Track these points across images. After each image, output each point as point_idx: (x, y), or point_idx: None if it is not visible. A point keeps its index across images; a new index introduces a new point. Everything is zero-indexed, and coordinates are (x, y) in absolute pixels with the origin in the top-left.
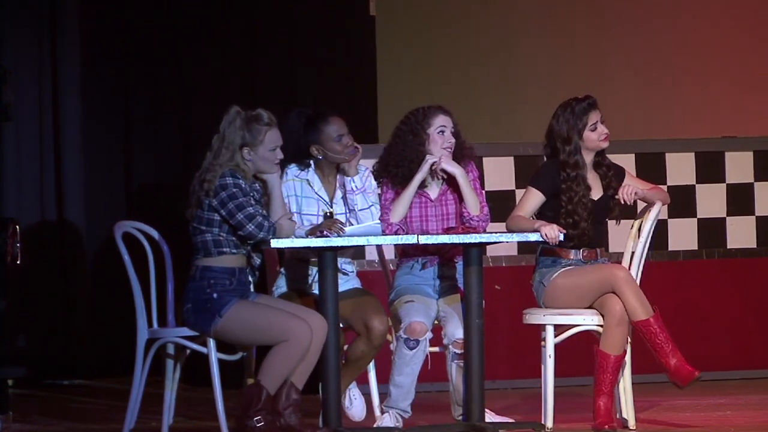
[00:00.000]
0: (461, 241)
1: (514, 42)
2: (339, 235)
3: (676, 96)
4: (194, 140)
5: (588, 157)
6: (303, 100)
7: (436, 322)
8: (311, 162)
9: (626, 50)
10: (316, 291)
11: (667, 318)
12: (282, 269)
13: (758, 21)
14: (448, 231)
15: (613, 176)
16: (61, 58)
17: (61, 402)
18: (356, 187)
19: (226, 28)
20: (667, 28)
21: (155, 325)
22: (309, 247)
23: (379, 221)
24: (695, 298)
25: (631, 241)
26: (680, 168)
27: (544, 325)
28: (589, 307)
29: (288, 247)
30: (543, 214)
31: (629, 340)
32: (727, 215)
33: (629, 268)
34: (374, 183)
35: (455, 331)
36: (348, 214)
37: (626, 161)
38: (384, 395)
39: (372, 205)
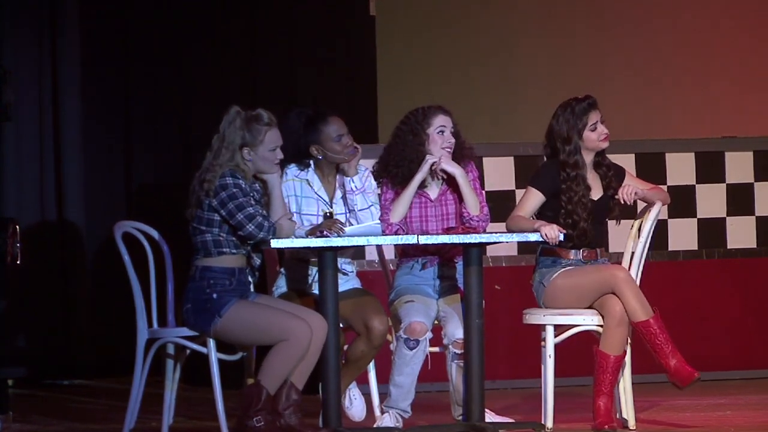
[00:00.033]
0: (461, 241)
1: (514, 42)
2: (339, 235)
3: (676, 96)
4: (194, 140)
5: (588, 157)
6: (303, 100)
7: (436, 322)
8: (311, 162)
9: (626, 50)
10: (316, 291)
11: (667, 318)
12: (282, 269)
13: (758, 21)
14: (448, 231)
15: (613, 176)
16: (61, 58)
17: (61, 402)
18: (356, 187)
19: (226, 28)
20: (667, 28)
21: (155, 325)
22: (309, 247)
23: (378, 221)
24: (695, 298)
25: (631, 241)
26: (680, 168)
27: (544, 325)
28: (589, 308)
29: (288, 247)
30: (543, 214)
31: (629, 340)
32: (727, 215)
33: (629, 268)
34: (374, 183)
35: (455, 331)
36: (348, 214)
37: (626, 161)
38: (384, 395)
39: (372, 205)
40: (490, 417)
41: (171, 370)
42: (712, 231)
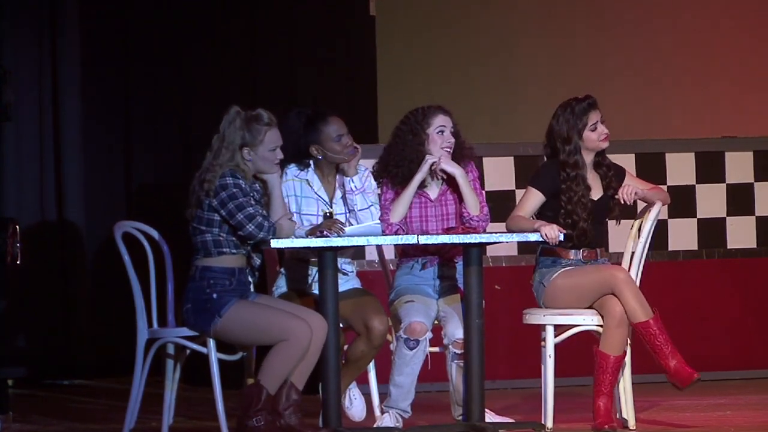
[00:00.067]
0: (461, 241)
1: (514, 42)
2: (339, 235)
3: (676, 96)
4: (194, 140)
5: (588, 157)
6: (303, 100)
7: (436, 322)
8: (311, 162)
9: (626, 50)
10: (316, 291)
11: (667, 318)
12: (282, 269)
13: (758, 21)
14: (448, 231)
15: (613, 176)
16: (61, 58)
17: (61, 402)
18: (355, 187)
19: (226, 28)
20: (667, 28)
21: (155, 325)
22: (309, 247)
23: (378, 221)
24: (695, 298)
25: (631, 241)
26: (680, 168)
27: (544, 325)
28: (589, 308)
29: (288, 247)
30: (543, 214)
31: (629, 341)
32: (727, 215)
33: (629, 268)
34: (374, 183)
35: (455, 331)
36: (348, 214)
37: (626, 161)
38: (384, 395)
39: (371, 205)
40: (490, 417)
41: (171, 370)
42: (712, 231)
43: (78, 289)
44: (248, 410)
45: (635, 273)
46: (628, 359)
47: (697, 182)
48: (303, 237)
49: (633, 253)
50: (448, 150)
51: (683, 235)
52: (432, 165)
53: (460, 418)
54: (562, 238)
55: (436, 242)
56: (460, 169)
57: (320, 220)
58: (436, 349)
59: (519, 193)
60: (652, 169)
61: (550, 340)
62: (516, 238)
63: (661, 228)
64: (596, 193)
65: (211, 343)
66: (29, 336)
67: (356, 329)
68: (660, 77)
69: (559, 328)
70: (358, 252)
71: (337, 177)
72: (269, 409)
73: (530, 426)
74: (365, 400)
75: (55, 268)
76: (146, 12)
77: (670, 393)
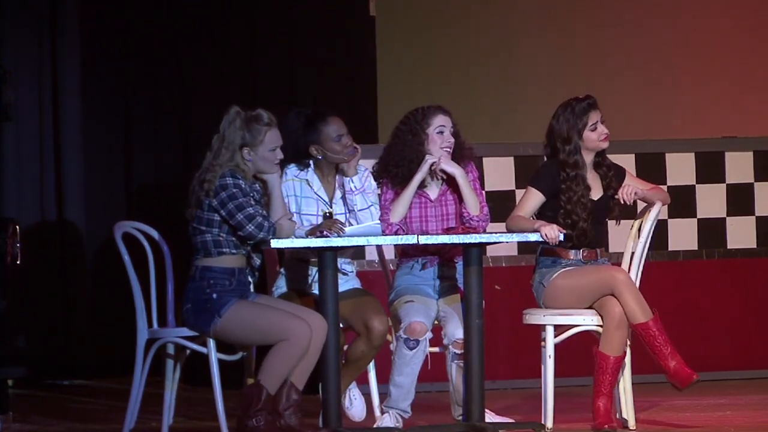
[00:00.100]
0: (461, 242)
1: (514, 42)
2: (339, 235)
3: (676, 96)
4: (194, 140)
5: (588, 157)
6: (303, 100)
7: (436, 322)
8: (311, 162)
9: (626, 50)
10: (316, 291)
11: (667, 318)
12: (282, 269)
13: (758, 21)
14: (448, 231)
15: (613, 176)
16: (61, 58)
17: (61, 402)
18: (355, 187)
19: (226, 28)
20: (667, 28)
21: (155, 325)
22: (309, 247)
23: (378, 221)
24: (695, 298)
25: (631, 241)
26: (680, 168)
27: (544, 325)
28: (589, 308)
29: (288, 248)
30: (543, 214)
31: (629, 341)
32: (727, 215)
33: (629, 268)
34: (373, 183)
35: (455, 331)
36: (347, 215)
37: (626, 161)
38: (384, 395)
39: (371, 205)
40: (490, 417)
41: (171, 370)
42: (712, 231)
43: (78, 289)
44: (248, 410)
45: (635, 273)
46: (628, 359)
47: (697, 182)
48: (303, 237)
49: (633, 253)
50: (448, 150)
51: (683, 235)
52: (432, 165)
53: (460, 418)
54: (562, 238)
55: (436, 242)
56: (460, 169)
57: (320, 220)
58: (436, 349)
59: (519, 193)
60: (652, 169)
61: (550, 340)
62: (516, 238)
63: (661, 228)
64: (596, 193)
65: (211, 343)
66: (29, 336)
67: (356, 329)
68: (660, 77)
69: (559, 329)
70: (358, 252)
71: (337, 177)
72: (269, 409)
73: (530, 426)
74: (365, 400)
75: (55, 268)
76: (146, 12)
77: (670, 393)
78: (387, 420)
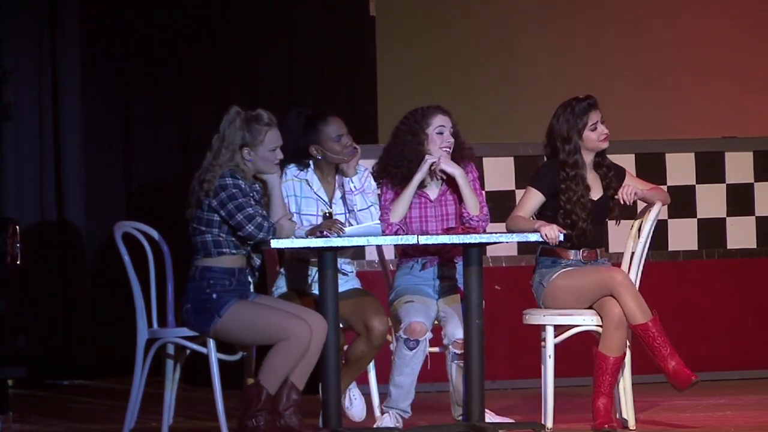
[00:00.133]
0: (461, 242)
1: (514, 42)
2: (339, 236)
3: (676, 96)
4: (194, 140)
5: (588, 157)
6: (303, 100)
7: (436, 322)
8: (310, 162)
9: (626, 50)
10: (316, 291)
11: (667, 318)
12: (282, 269)
13: (758, 21)
14: (448, 231)
15: (613, 176)
16: (61, 58)
17: (61, 402)
18: (355, 187)
19: (226, 28)
20: (667, 28)
21: (155, 325)
22: (309, 248)
23: (378, 221)
24: (695, 298)
25: (631, 241)
26: (680, 168)
27: (544, 325)
28: (589, 308)
29: (288, 248)
30: (543, 214)
31: (628, 342)
32: (727, 215)
33: (629, 268)
34: (373, 183)
35: (455, 331)
36: (347, 215)
37: (626, 161)
38: (384, 395)
39: (371, 205)
40: (490, 417)
41: (171, 370)
42: (712, 231)
43: (78, 289)
44: (248, 410)
45: (635, 273)
46: (627, 360)
47: (697, 182)
48: (303, 237)
49: (633, 253)
50: (448, 150)
51: (683, 235)
52: (431, 165)
53: (460, 418)
54: (561, 238)
55: (436, 242)
56: (460, 169)
57: (320, 220)
58: (436, 349)
59: (519, 193)
60: (652, 169)
61: (550, 341)
62: (516, 238)
63: (661, 228)
64: (596, 193)
65: (211, 343)
66: (29, 336)
67: (356, 329)
68: (660, 77)
69: (559, 329)
70: (358, 252)
71: (337, 177)
72: (269, 409)
73: (530, 426)
74: (365, 400)
75: (55, 268)
76: (146, 12)
77: (670, 393)
78: (387, 420)
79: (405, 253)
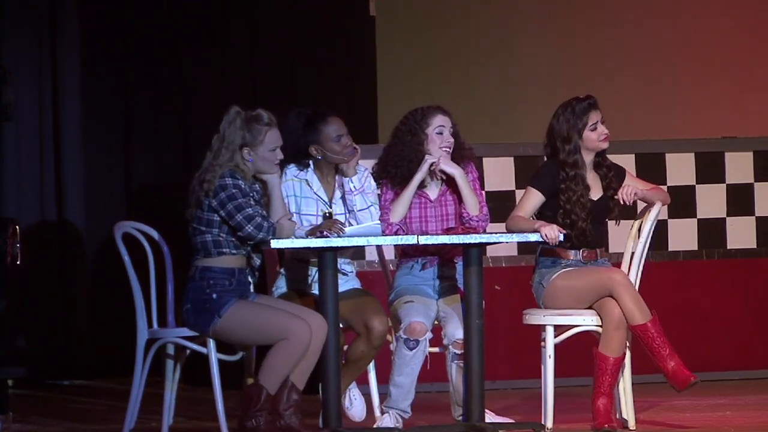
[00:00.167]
0: (461, 242)
1: (514, 42)
2: (339, 236)
3: (676, 96)
4: (194, 140)
5: (588, 158)
6: (303, 100)
7: (436, 322)
8: (310, 162)
9: (626, 50)
10: (316, 291)
11: (666, 318)
12: (282, 269)
13: (758, 21)
14: (448, 231)
15: (613, 177)
16: (61, 58)
17: (61, 402)
18: (355, 187)
19: (226, 28)
20: (667, 28)
21: (155, 325)
22: (309, 248)
23: (378, 221)
24: (695, 298)
25: (631, 241)
26: (680, 168)
27: (544, 325)
28: (589, 308)
29: (288, 248)
30: (543, 214)
31: (628, 342)
32: (727, 215)
33: (629, 269)
34: (373, 183)
35: (455, 331)
36: (347, 215)
37: (626, 161)
38: (384, 395)
39: (371, 205)
40: (490, 417)
41: (171, 370)
42: (712, 231)
43: (78, 289)
44: (248, 410)
45: (635, 273)
46: (627, 360)
47: (697, 182)
48: (303, 237)
49: (633, 253)
50: (447, 150)
51: (683, 236)
52: (431, 165)
53: (460, 418)
54: (561, 238)
55: (436, 242)
56: (460, 169)
57: (320, 220)
58: (436, 349)
59: (519, 193)
60: (652, 169)
61: (550, 341)
62: (516, 238)
63: (661, 228)
64: (596, 194)
65: (211, 343)
66: (29, 336)
67: (356, 329)
68: (660, 77)
69: (558, 329)
70: (358, 252)
71: (337, 177)
72: (269, 409)
73: (530, 426)
74: (365, 400)
75: (55, 268)
76: (146, 12)
77: (670, 393)
78: (387, 420)
79: (405, 253)
